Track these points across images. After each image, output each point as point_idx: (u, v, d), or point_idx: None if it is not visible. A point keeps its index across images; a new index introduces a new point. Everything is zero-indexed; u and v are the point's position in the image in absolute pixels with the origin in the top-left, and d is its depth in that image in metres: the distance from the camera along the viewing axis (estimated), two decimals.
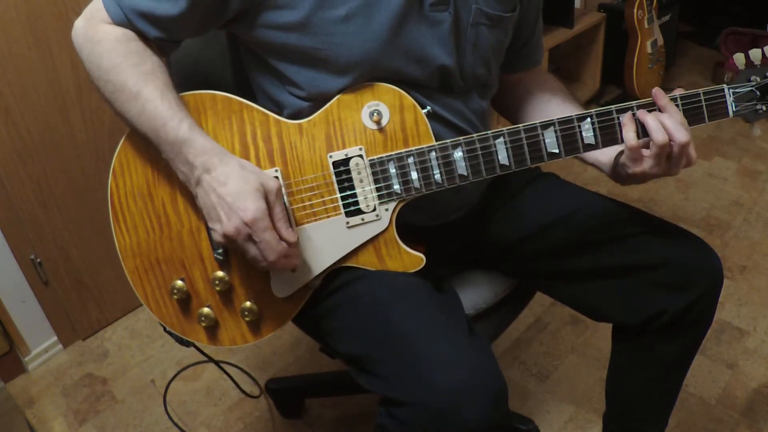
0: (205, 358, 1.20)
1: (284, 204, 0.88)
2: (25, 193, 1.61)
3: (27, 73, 1.52)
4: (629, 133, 0.89)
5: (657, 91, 0.90)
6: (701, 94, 0.91)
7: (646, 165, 0.90)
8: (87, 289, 1.81)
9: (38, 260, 1.69)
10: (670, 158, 0.89)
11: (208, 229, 0.93)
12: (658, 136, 0.87)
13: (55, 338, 1.82)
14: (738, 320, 1.76)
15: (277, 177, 0.91)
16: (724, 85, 0.92)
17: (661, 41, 2.70)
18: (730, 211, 2.19)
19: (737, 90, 0.92)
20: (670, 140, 0.87)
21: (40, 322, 1.77)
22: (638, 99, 0.92)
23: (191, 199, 0.91)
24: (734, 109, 0.92)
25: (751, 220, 2.14)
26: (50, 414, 1.66)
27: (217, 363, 1.27)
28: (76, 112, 1.63)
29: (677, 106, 0.90)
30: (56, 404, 1.69)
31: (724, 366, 1.63)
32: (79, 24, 0.90)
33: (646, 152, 0.89)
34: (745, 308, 1.80)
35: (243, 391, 1.45)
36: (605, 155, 1.00)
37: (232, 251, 0.94)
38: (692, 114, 0.91)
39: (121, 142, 0.93)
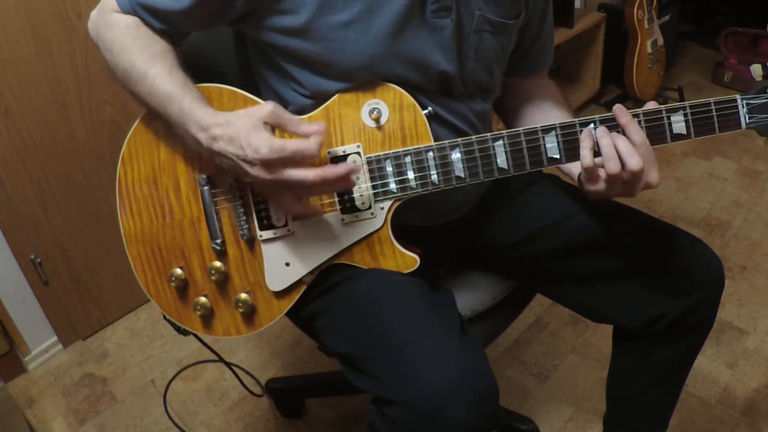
0: (206, 358, 1.20)
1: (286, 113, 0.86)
2: (25, 193, 1.61)
3: (27, 73, 1.52)
4: (585, 151, 0.85)
5: (618, 108, 0.86)
6: (712, 104, 0.87)
7: (601, 186, 0.86)
8: (87, 289, 1.81)
9: (38, 260, 1.69)
10: (625, 183, 0.85)
11: (205, 217, 0.94)
12: (609, 165, 0.83)
13: (55, 338, 1.82)
14: (738, 320, 1.76)
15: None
16: (737, 96, 0.87)
17: (661, 41, 2.70)
18: (730, 211, 2.19)
19: (751, 101, 0.87)
20: (623, 167, 0.83)
21: (40, 322, 1.77)
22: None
23: (194, 189, 0.94)
24: (747, 121, 0.87)
25: (751, 220, 2.14)
26: (50, 414, 1.66)
27: (223, 360, 1.27)
28: (76, 112, 1.63)
29: (686, 114, 0.86)
30: (56, 404, 1.69)
31: (724, 366, 1.63)
32: (94, 14, 0.94)
33: (602, 173, 0.85)
34: (745, 308, 1.80)
35: (247, 389, 1.45)
36: (577, 167, 0.95)
37: (230, 241, 0.95)
38: (702, 125, 0.87)
39: (131, 130, 0.95)
